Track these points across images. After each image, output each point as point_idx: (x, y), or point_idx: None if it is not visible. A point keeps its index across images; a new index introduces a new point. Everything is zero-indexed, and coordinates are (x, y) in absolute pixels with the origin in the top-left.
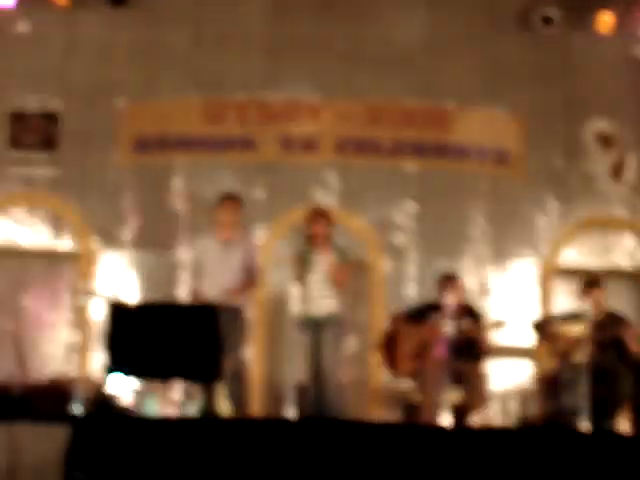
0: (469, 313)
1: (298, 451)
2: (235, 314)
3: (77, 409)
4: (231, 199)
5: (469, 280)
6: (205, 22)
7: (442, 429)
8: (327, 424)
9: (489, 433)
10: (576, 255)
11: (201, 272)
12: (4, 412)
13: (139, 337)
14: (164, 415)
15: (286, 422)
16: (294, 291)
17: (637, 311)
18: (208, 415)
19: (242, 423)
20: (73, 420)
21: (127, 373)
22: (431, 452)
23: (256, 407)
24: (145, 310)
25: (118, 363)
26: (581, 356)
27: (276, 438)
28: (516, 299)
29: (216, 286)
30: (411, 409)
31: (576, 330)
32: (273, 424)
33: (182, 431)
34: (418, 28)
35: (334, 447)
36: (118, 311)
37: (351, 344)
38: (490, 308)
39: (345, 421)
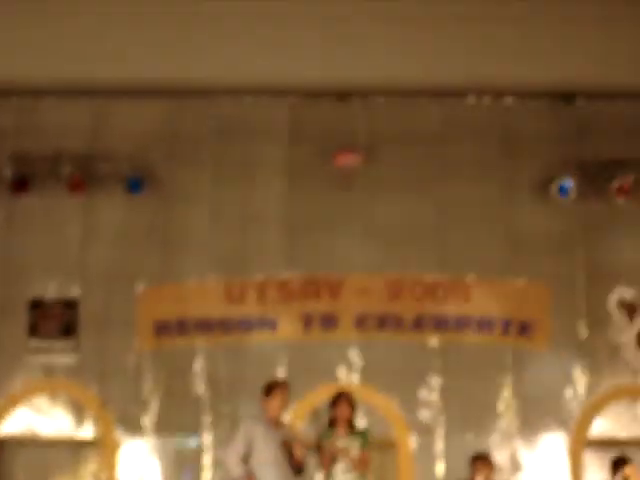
0: None
1: None
2: None
3: None
4: (281, 386)
5: (498, 455)
6: (222, 203)
7: None
8: None
9: None
10: (605, 426)
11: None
12: None
13: None
14: None
15: None
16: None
17: None
18: None
19: None
20: None
21: None
22: None
23: None
24: None
25: None
26: None
27: None
28: (547, 473)
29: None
30: None
31: None
32: None
33: None
34: (435, 202)
35: None
36: None
37: None
38: None
39: None
